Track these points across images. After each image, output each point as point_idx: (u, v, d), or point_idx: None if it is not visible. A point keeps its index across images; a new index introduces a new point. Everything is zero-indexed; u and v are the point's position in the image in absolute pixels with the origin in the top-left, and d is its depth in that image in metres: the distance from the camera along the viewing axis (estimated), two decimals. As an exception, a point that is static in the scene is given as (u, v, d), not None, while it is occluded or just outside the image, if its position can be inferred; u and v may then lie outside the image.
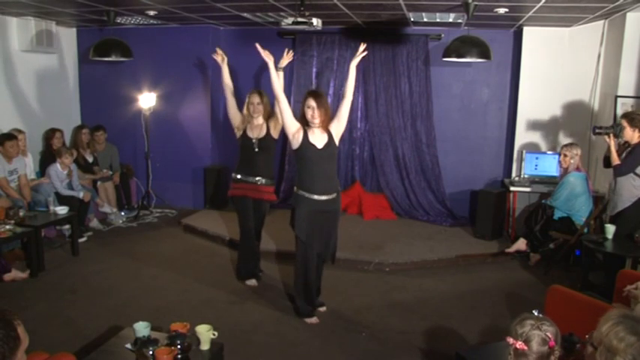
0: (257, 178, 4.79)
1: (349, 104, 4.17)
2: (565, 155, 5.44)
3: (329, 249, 4.31)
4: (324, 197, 4.09)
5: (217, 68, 7.45)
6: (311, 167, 4.09)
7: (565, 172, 5.48)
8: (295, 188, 4.19)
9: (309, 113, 4.04)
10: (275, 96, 4.19)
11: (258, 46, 4.24)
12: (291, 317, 4.36)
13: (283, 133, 4.46)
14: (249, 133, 4.78)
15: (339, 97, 7.12)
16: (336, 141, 4.15)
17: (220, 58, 4.90)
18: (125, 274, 5.28)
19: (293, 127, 4.09)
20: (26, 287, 4.82)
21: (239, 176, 4.82)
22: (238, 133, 4.84)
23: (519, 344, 1.96)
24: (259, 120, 4.79)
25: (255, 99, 4.75)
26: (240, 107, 4.90)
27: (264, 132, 4.77)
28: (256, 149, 4.75)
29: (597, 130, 4.89)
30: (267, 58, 4.16)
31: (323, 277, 4.53)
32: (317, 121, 4.03)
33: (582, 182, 5.37)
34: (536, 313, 2.04)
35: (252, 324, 4.22)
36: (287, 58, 4.62)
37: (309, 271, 4.21)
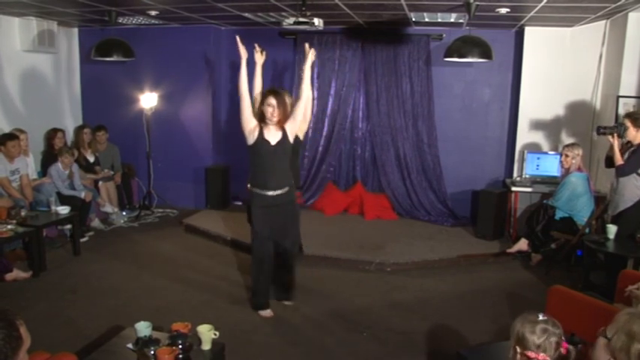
0: (278, 191, 4.56)
1: (304, 105, 4.33)
2: (566, 155, 5.43)
3: (289, 240, 4.42)
4: (277, 192, 4.24)
5: (219, 68, 7.55)
6: (264, 163, 4.23)
7: (566, 172, 5.47)
8: (249, 186, 4.32)
9: (269, 111, 4.16)
10: (239, 93, 4.26)
11: (238, 39, 4.41)
12: (292, 317, 4.36)
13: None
14: (266, 137, 4.53)
15: (339, 98, 7.15)
16: (291, 139, 4.28)
17: (259, 55, 4.67)
18: (126, 274, 5.28)
19: (251, 123, 4.22)
20: (27, 287, 4.83)
21: (256, 190, 4.48)
22: (252, 138, 4.57)
23: (542, 356, 1.97)
24: (275, 122, 4.68)
25: (273, 100, 4.50)
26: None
27: (280, 135, 4.53)
28: (274, 154, 4.55)
29: (602, 130, 4.87)
30: (242, 53, 4.32)
31: (324, 276, 4.62)
32: (275, 119, 4.18)
33: (584, 182, 5.36)
34: (540, 317, 2.03)
35: (252, 324, 4.23)
36: (311, 56, 4.50)
37: (264, 264, 4.34)
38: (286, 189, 4.30)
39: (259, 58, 4.65)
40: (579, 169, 5.41)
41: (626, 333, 1.70)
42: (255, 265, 4.39)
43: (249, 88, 4.39)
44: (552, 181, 6.18)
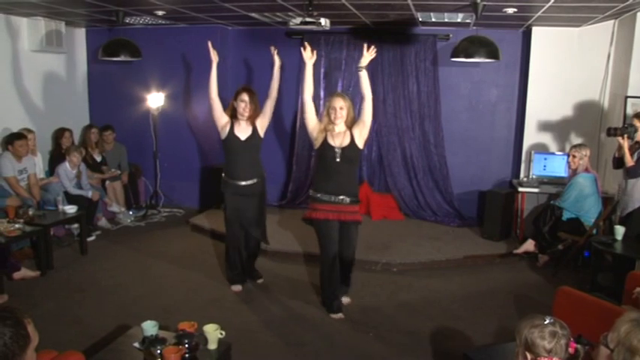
0: (341, 197, 4.18)
1: (274, 102, 4.62)
2: (574, 156, 5.40)
3: (258, 228, 4.84)
4: (248, 182, 4.62)
5: (225, 68, 7.56)
6: (235, 156, 4.60)
7: (574, 173, 5.44)
8: (223, 175, 4.68)
9: (241, 106, 4.51)
10: (209, 95, 4.59)
11: (210, 44, 4.68)
12: (298, 317, 4.37)
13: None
14: (331, 142, 4.20)
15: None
16: (261, 134, 4.64)
17: (309, 54, 4.29)
18: (133, 273, 5.30)
19: (223, 120, 4.59)
20: (35, 286, 4.86)
21: (319, 195, 4.22)
22: (317, 143, 4.26)
23: None
24: (342, 127, 4.23)
25: (338, 103, 4.20)
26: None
27: (348, 140, 4.19)
28: (338, 160, 4.16)
29: (612, 131, 4.84)
30: (213, 57, 4.61)
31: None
32: (247, 114, 4.53)
33: (591, 183, 5.33)
34: (547, 320, 2.02)
35: (259, 324, 4.23)
36: (369, 55, 4.20)
37: (234, 246, 4.77)
38: (256, 180, 4.66)
39: (309, 58, 4.28)
40: (587, 170, 5.38)
41: (627, 348, 1.70)
42: (229, 247, 4.81)
43: (302, 91, 4.31)
44: (559, 182, 6.15)
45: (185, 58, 7.42)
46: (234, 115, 4.60)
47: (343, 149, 4.16)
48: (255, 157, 4.69)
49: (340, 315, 4.35)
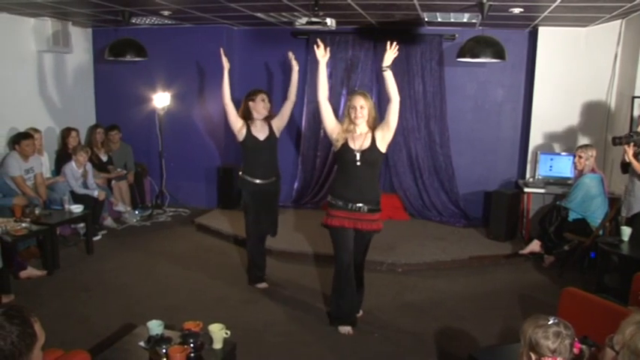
0: (359, 205, 3.89)
1: (292, 105, 4.82)
2: (580, 157, 5.37)
3: (272, 224, 5.00)
4: (265, 181, 4.75)
5: (231, 68, 7.55)
6: (254, 156, 4.73)
7: (580, 173, 5.42)
8: (241, 173, 4.81)
9: (260, 105, 4.67)
10: (223, 100, 4.73)
11: (222, 51, 4.84)
12: (304, 317, 4.37)
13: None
14: (351, 144, 3.93)
15: (346, 99, 7.12)
16: (277, 134, 4.81)
17: (321, 51, 4.00)
18: (139, 272, 5.32)
19: (238, 124, 4.70)
20: (41, 285, 4.88)
21: (335, 202, 3.97)
22: (337, 145, 3.97)
23: None
24: (363, 128, 3.97)
25: (358, 101, 3.93)
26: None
27: (368, 143, 3.92)
28: (358, 163, 3.89)
29: (617, 141, 4.81)
30: (225, 64, 4.74)
31: (329, 275, 4.69)
32: (266, 113, 4.71)
33: (598, 184, 5.31)
34: (551, 321, 2.01)
35: (264, 323, 4.23)
36: (392, 52, 3.80)
37: (259, 243, 4.90)
38: (273, 179, 4.81)
39: (322, 56, 3.97)
40: (593, 171, 5.36)
41: (632, 351, 1.69)
42: (253, 245, 4.89)
43: (317, 91, 4.04)
44: (566, 183, 6.13)
45: (191, 58, 7.43)
46: (247, 117, 4.72)
47: (363, 152, 3.88)
48: (273, 156, 4.85)
49: (349, 329, 4.09)
